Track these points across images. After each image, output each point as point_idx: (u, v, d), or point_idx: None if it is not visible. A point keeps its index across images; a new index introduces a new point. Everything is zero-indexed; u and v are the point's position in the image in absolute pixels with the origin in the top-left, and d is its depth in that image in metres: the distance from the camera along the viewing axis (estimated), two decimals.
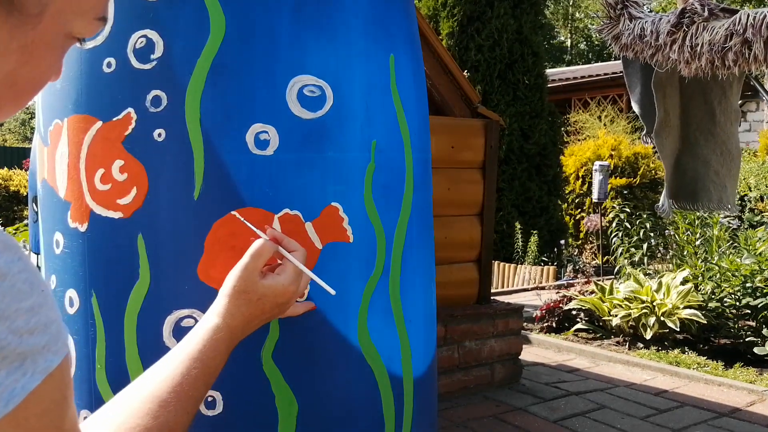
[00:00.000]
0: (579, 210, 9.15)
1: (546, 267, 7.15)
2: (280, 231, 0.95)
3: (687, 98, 2.64)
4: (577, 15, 29.18)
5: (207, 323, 0.83)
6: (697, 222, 5.33)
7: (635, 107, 2.79)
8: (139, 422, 0.69)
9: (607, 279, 6.03)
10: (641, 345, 4.56)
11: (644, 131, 2.84)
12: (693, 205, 2.69)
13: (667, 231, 6.41)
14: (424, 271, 1.20)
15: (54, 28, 0.47)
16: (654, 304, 4.56)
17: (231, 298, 0.84)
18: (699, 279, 4.95)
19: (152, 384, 0.74)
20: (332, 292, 0.92)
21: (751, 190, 8.50)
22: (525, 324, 4.69)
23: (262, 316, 0.86)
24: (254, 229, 0.95)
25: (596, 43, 28.38)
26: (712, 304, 4.67)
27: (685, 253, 5.40)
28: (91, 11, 0.49)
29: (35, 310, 0.42)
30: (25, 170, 10.04)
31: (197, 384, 0.76)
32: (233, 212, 0.97)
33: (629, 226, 6.53)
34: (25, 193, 9.44)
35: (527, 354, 4.35)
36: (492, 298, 3.90)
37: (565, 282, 6.56)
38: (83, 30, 0.50)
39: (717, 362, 4.20)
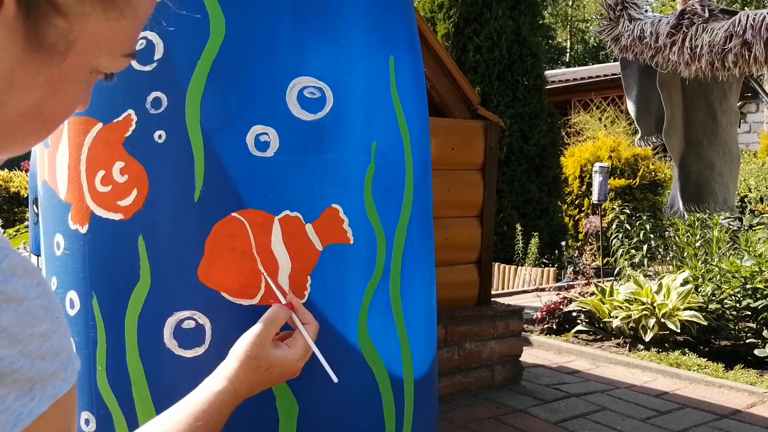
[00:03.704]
0: (578, 211, 9.15)
1: (546, 268, 7.15)
2: (298, 299, 0.96)
3: (688, 99, 2.64)
4: (577, 16, 29.21)
5: (215, 386, 0.83)
6: (697, 223, 5.33)
7: (630, 110, 2.79)
8: None
9: (607, 280, 6.03)
10: (641, 347, 4.55)
11: (639, 135, 2.84)
12: (698, 207, 2.69)
13: (667, 232, 6.41)
14: (424, 273, 1.20)
15: (80, 64, 0.48)
16: (654, 305, 4.56)
17: (242, 363, 0.85)
18: (699, 280, 4.95)
19: None
20: (335, 379, 0.92)
21: (751, 192, 8.50)
22: (525, 326, 4.68)
23: (267, 384, 0.88)
24: (275, 289, 0.96)
25: (592, 44, 28.41)
26: (713, 306, 4.67)
27: (685, 254, 5.40)
28: (118, 48, 0.50)
29: (48, 335, 0.42)
30: (25, 172, 10.04)
31: None
32: (262, 271, 0.99)
33: (629, 228, 6.53)
34: (25, 195, 9.43)
35: (527, 356, 4.34)
36: (492, 299, 3.90)
37: (565, 284, 6.56)
38: (110, 66, 0.50)
39: (717, 364, 4.19)
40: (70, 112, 0.50)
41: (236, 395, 0.84)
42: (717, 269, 4.90)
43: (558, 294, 5.44)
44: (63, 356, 0.43)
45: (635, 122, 2.82)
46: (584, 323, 4.90)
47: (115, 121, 1.02)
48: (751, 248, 4.90)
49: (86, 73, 0.49)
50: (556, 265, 7.51)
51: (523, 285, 7.10)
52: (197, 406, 0.80)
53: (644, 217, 6.62)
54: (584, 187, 9.08)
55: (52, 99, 0.47)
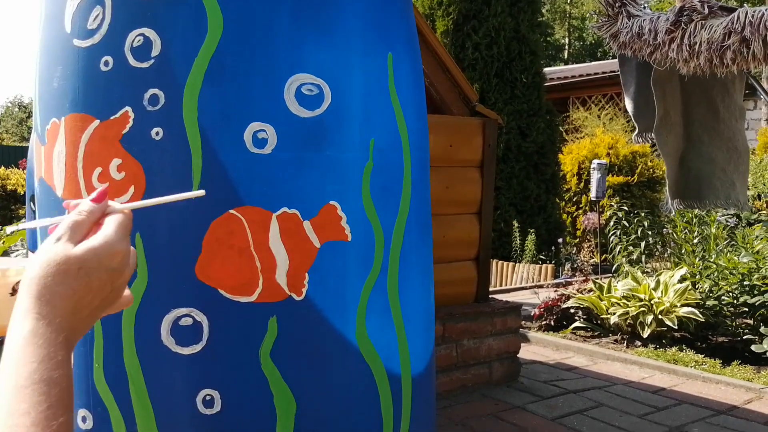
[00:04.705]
0: (576, 208, 9.16)
1: (544, 265, 7.16)
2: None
3: (688, 96, 2.64)
4: (575, 13, 29.21)
5: (19, 334, 0.52)
6: (695, 220, 5.34)
7: (628, 106, 2.80)
8: None
9: (605, 277, 6.04)
10: (639, 343, 4.56)
11: (636, 131, 2.85)
12: (700, 203, 2.69)
13: (665, 229, 6.41)
14: (422, 270, 1.20)
15: None
16: (652, 302, 4.56)
17: (39, 281, 0.55)
18: (697, 277, 4.96)
19: None
20: (202, 193, 0.69)
21: (748, 189, 8.51)
22: (523, 322, 4.69)
23: (89, 295, 0.57)
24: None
25: (590, 41, 28.40)
26: (710, 302, 4.68)
27: (682, 251, 5.41)
28: None
29: None
30: (22, 169, 10.03)
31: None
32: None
33: (627, 225, 6.54)
34: (22, 192, 9.42)
35: (525, 352, 4.35)
36: (490, 296, 3.90)
37: (563, 280, 6.56)
38: None
39: (715, 360, 4.20)
40: None
41: (56, 329, 0.53)
42: (714, 266, 4.91)
43: (556, 291, 5.44)
44: None
45: (632, 118, 2.83)
46: (582, 320, 4.90)
47: (112, 117, 1.02)
48: (748, 245, 4.91)
49: None
50: (553, 262, 7.52)
51: (521, 282, 7.11)
52: (21, 381, 0.49)
53: (642, 214, 6.63)
54: (582, 184, 9.09)
55: None
